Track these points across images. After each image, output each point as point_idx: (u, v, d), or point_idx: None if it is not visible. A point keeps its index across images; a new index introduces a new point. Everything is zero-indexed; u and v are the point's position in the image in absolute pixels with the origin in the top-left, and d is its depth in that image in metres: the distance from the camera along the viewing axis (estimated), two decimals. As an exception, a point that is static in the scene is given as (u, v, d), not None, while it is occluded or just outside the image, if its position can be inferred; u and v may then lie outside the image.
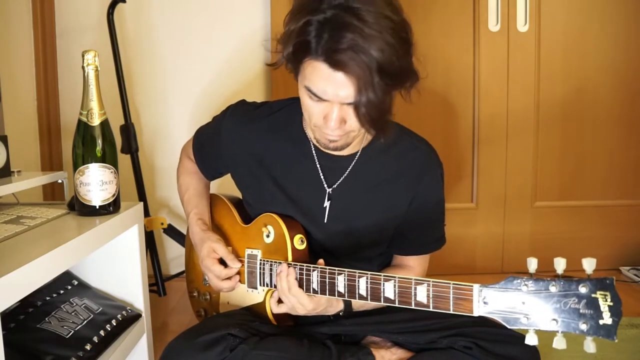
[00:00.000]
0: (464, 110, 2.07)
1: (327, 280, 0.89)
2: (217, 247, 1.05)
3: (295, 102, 1.06)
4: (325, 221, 1.04)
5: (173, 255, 2.09)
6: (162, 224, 1.82)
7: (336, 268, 0.89)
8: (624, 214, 2.17)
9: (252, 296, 1.05)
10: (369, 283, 0.85)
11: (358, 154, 1.03)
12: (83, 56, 1.01)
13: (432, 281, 0.80)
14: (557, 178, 2.14)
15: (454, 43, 2.01)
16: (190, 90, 2.01)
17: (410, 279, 0.82)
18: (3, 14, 1.70)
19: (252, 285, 1.05)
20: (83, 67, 1.02)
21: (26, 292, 0.76)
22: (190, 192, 1.19)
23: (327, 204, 1.03)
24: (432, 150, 1.08)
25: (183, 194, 1.21)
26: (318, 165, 1.03)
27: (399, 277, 0.82)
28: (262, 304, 1.02)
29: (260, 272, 1.03)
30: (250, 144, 1.07)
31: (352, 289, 0.87)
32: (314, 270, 0.91)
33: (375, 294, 0.85)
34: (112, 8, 1.75)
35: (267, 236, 1.02)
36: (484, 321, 1.02)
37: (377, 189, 1.04)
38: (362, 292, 0.86)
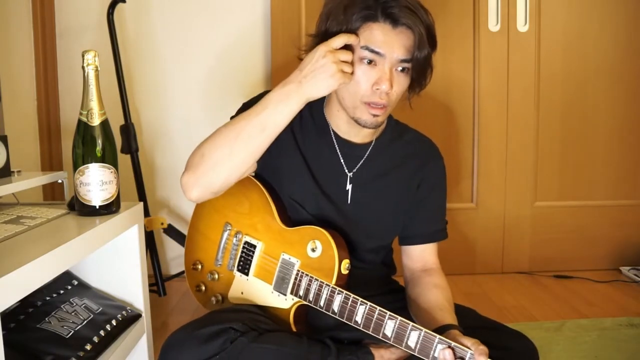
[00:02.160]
0: (464, 110, 2.07)
1: (373, 319, 0.90)
2: (324, 47, 0.94)
3: None
4: (349, 202, 1.10)
5: (173, 255, 2.09)
6: (162, 224, 1.82)
7: (377, 308, 0.91)
8: (624, 214, 2.17)
9: (277, 299, 1.04)
10: (396, 326, 0.88)
11: (372, 143, 1.12)
12: (83, 56, 1.01)
13: (455, 345, 0.81)
14: (557, 178, 2.14)
15: (454, 43, 2.02)
16: (190, 90, 2.01)
17: (435, 336, 0.83)
18: (3, 14, 1.70)
19: (280, 290, 1.04)
20: (83, 67, 1.02)
21: (26, 292, 0.76)
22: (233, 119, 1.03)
23: (349, 186, 1.10)
24: (433, 142, 1.19)
25: (234, 122, 1.00)
26: (338, 151, 1.10)
27: (425, 331, 0.84)
28: (287, 311, 1.02)
29: (294, 282, 1.02)
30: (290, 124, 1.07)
31: (377, 327, 0.90)
32: (361, 305, 0.92)
33: (399, 338, 0.87)
34: (112, 8, 1.75)
35: (313, 250, 1.01)
36: (487, 325, 1.03)
37: (390, 175, 1.12)
38: (388, 333, 0.88)
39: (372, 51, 0.96)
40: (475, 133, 2.08)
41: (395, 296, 1.15)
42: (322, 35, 1.01)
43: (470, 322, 1.01)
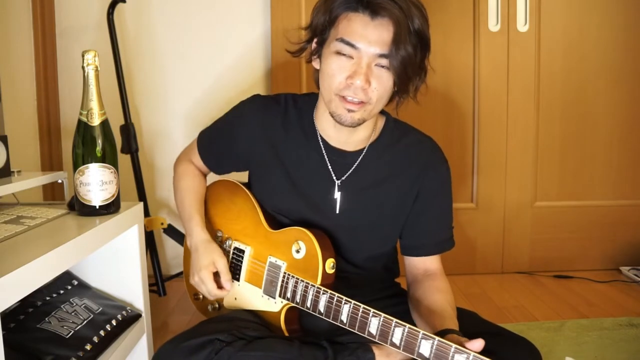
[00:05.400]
0: (464, 110, 2.07)
1: (358, 317, 0.89)
2: (220, 262, 1.04)
3: (309, 97, 1.10)
4: (337, 212, 1.05)
5: (173, 255, 2.10)
6: (162, 224, 1.82)
7: (361, 306, 0.88)
8: (624, 214, 2.17)
9: (267, 303, 1.04)
10: (380, 323, 0.86)
11: (365, 149, 1.06)
12: (83, 56, 1.01)
13: (438, 340, 0.80)
14: (557, 178, 2.14)
15: (454, 43, 2.02)
16: (190, 90, 2.01)
17: (418, 331, 0.81)
18: (3, 14, 1.70)
19: (269, 294, 1.03)
20: (83, 67, 1.02)
21: (26, 292, 0.76)
22: (192, 196, 1.16)
23: (337, 195, 1.05)
24: (436, 146, 1.11)
25: (184, 195, 1.17)
26: (327, 159, 1.06)
27: (409, 327, 0.83)
28: (277, 314, 1.02)
29: (282, 285, 1.01)
30: (268, 133, 1.07)
31: (362, 325, 0.88)
32: (346, 304, 0.90)
33: (383, 335, 0.86)
34: (112, 8, 1.75)
35: (297, 252, 1.00)
36: (490, 331, 1.01)
37: (384, 184, 1.06)
38: (373, 330, 0.87)
39: (348, 43, 0.91)
40: (475, 133, 2.08)
41: (396, 300, 1.13)
42: (310, 28, 1.00)
43: (472, 327, 0.99)
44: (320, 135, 1.06)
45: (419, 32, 0.92)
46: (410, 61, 0.92)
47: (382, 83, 0.93)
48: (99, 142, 1.04)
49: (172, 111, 2.02)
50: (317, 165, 1.06)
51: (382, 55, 0.91)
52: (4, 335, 0.73)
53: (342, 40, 0.91)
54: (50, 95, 1.92)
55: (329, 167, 1.06)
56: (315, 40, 1.00)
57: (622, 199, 2.17)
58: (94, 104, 1.03)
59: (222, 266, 1.04)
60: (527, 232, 2.15)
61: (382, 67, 0.92)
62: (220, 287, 1.04)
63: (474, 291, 1.96)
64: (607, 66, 2.08)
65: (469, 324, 1.01)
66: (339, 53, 0.93)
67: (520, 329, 1.52)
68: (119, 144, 1.76)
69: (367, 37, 0.90)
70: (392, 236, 1.11)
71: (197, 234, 1.09)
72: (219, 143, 1.15)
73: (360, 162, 1.06)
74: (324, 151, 1.06)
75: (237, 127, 1.10)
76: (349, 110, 0.94)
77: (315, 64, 1.02)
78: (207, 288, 1.04)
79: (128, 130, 1.79)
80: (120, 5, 1.79)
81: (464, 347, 0.78)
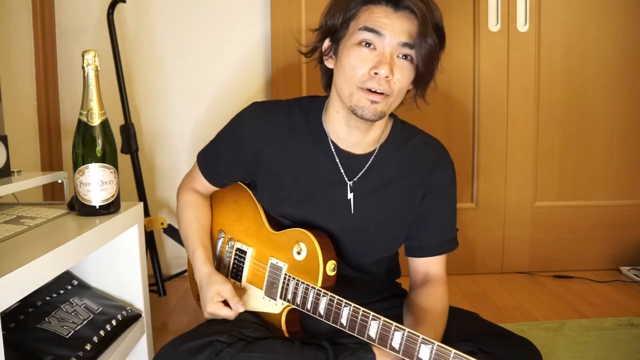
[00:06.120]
0: (465, 110, 2.07)
1: (357, 320, 0.88)
2: (223, 290, 1.03)
3: (314, 99, 1.09)
4: (347, 214, 1.04)
5: (173, 255, 2.10)
6: (162, 224, 1.82)
7: (361, 309, 0.88)
8: (624, 214, 2.17)
9: (268, 304, 1.03)
10: (379, 327, 0.85)
11: (375, 151, 1.05)
12: (83, 56, 1.01)
13: (438, 345, 0.79)
14: (557, 178, 2.14)
15: (454, 43, 2.01)
16: (190, 90, 2.01)
17: (418, 336, 0.81)
18: (3, 14, 1.70)
19: (271, 295, 1.03)
20: (83, 67, 1.02)
21: (26, 292, 0.76)
22: (196, 227, 1.15)
23: (350, 196, 1.04)
24: (442, 147, 1.11)
25: (188, 228, 1.15)
26: (338, 161, 1.04)
27: (408, 331, 0.82)
28: (278, 316, 1.01)
29: (282, 287, 1.00)
30: (271, 141, 1.05)
31: (362, 328, 0.87)
32: (345, 306, 0.89)
33: (383, 339, 0.85)
34: (112, 8, 1.75)
35: (298, 253, 1.00)
36: (490, 331, 1.01)
37: (393, 184, 1.05)
38: (372, 334, 0.86)
39: (372, 31, 0.90)
40: (475, 133, 2.08)
41: (397, 301, 1.12)
42: (322, 29, 0.99)
43: (472, 328, 0.99)
44: (331, 140, 1.04)
45: (438, 26, 0.94)
46: (435, 53, 0.93)
47: (404, 75, 0.93)
48: (99, 142, 1.04)
49: (172, 111, 2.02)
50: (328, 167, 1.04)
51: (406, 45, 0.91)
52: (4, 335, 0.73)
53: (367, 29, 0.91)
54: (50, 95, 1.92)
55: (341, 169, 1.04)
56: (328, 39, 0.99)
57: (622, 199, 2.17)
58: (94, 104, 1.03)
59: (227, 293, 1.02)
60: (527, 232, 2.15)
61: (405, 58, 0.93)
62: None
63: (474, 291, 1.96)
64: (607, 66, 2.08)
65: (469, 325, 1.01)
66: (361, 44, 0.92)
67: (520, 329, 1.52)
68: (119, 144, 1.76)
69: (392, 26, 0.90)
70: (399, 238, 1.10)
71: (199, 269, 1.08)
72: (223, 155, 1.12)
73: (370, 163, 1.05)
74: (334, 153, 1.04)
75: (241, 137, 1.08)
76: (372, 102, 0.93)
77: (329, 63, 1.01)
78: (223, 316, 1.02)
79: (128, 130, 1.79)
80: (120, 5, 1.79)
81: None
